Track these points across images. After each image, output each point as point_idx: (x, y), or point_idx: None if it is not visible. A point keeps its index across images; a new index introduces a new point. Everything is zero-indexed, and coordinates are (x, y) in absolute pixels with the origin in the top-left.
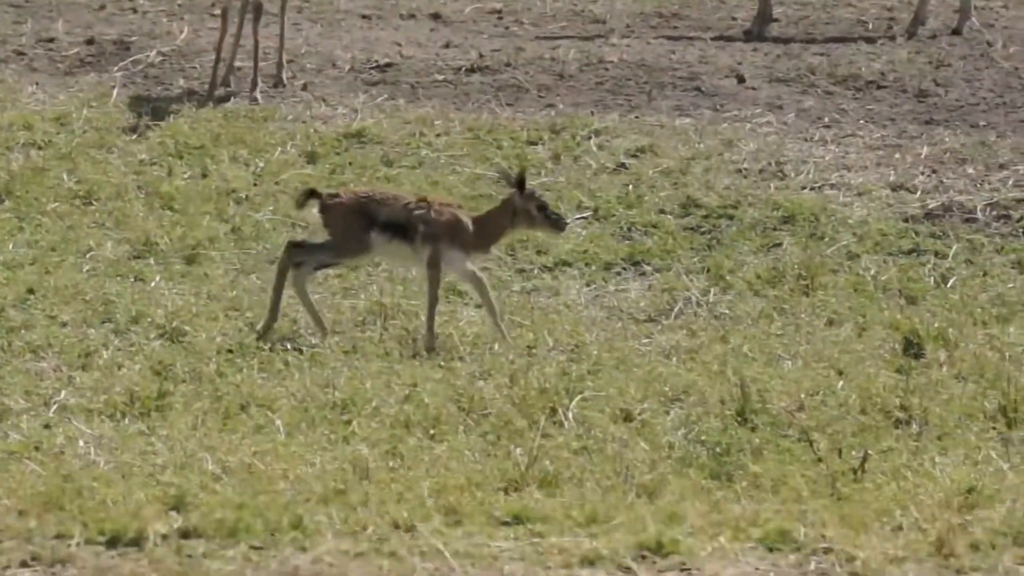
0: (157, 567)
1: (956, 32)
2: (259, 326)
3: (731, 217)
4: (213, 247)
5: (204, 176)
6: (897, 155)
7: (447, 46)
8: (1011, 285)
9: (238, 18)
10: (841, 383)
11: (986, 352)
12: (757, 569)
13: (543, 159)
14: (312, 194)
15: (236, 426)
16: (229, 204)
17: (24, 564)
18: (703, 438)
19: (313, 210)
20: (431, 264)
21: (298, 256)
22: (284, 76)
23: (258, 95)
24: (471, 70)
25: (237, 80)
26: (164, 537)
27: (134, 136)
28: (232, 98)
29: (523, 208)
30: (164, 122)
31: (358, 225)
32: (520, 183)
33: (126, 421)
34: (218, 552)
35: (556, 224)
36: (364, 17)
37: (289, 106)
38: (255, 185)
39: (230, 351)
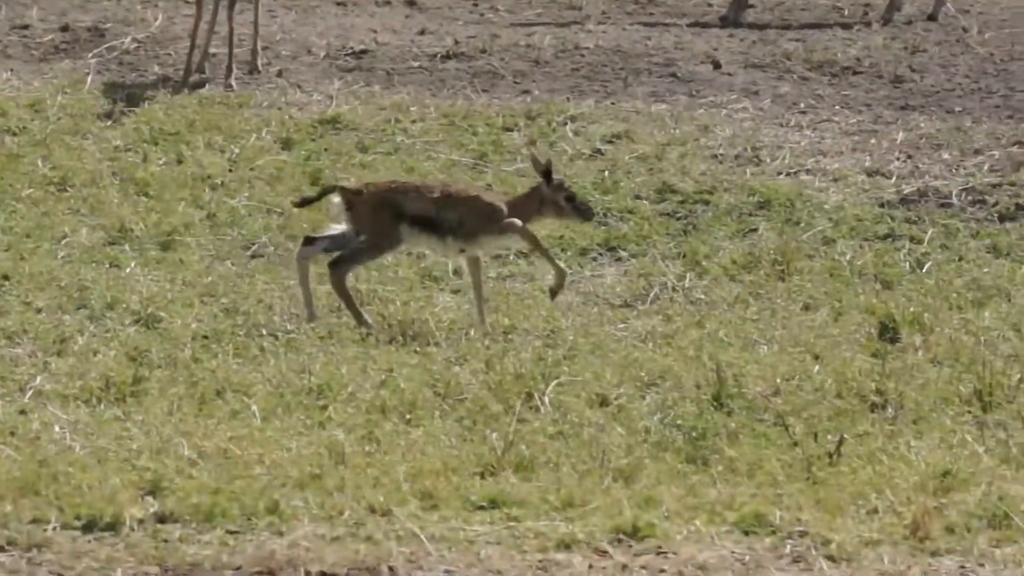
0: (133, 552)
1: (931, 18)
2: (305, 322)
3: (707, 203)
4: (188, 233)
5: (179, 162)
6: (873, 140)
7: (422, 32)
8: (986, 270)
9: (213, 4)
10: (817, 367)
11: (961, 336)
12: (733, 552)
13: (519, 145)
14: (332, 188)
15: (212, 411)
16: (204, 190)
17: (0, 549)
18: (679, 422)
19: (335, 199)
20: (508, 230)
21: (316, 252)
22: (259, 62)
23: (233, 81)
24: (446, 56)
25: (212, 66)
26: (140, 522)
27: (109, 122)
28: (207, 84)
29: (550, 198)
30: (139, 108)
31: (387, 218)
32: (547, 173)
33: (102, 407)
34: (194, 537)
35: (584, 214)
36: (339, 4)
37: (264, 92)
38: (230, 171)
39: (205, 337)
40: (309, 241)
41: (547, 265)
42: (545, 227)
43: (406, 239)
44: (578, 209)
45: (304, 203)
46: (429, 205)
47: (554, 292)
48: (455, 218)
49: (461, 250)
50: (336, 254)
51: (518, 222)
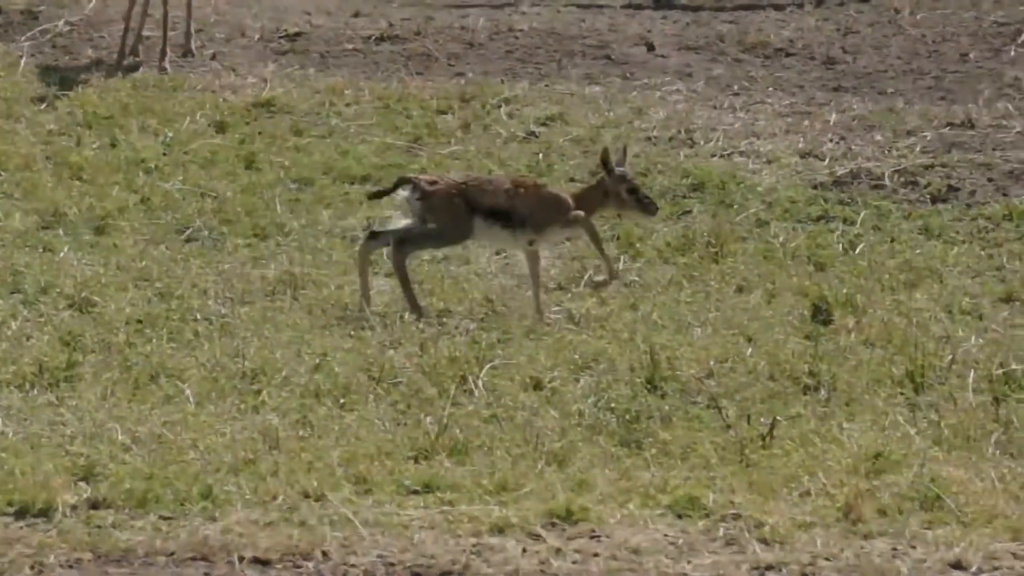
0: (66, 538)
1: None
2: (359, 311)
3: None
4: (122, 217)
5: (113, 146)
6: (806, 122)
7: (357, 15)
8: (918, 251)
9: None
10: (750, 350)
11: (893, 318)
12: (666, 536)
13: (453, 128)
14: (405, 180)
15: (145, 396)
16: (138, 174)
17: None
18: (613, 406)
19: (404, 194)
20: (576, 224)
21: (380, 247)
22: (193, 45)
23: (167, 65)
24: (381, 39)
25: (146, 50)
26: (73, 508)
27: (42, 106)
28: (141, 68)
29: (613, 190)
30: (72, 92)
31: (461, 211)
32: (606, 165)
33: (35, 392)
34: (127, 522)
35: (646, 207)
36: None
37: (198, 76)
38: (164, 155)
39: (139, 321)
40: (374, 235)
41: (602, 262)
42: (607, 220)
43: (477, 232)
44: (640, 202)
45: (378, 196)
46: (502, 198)
47: (598, 286)
48: (526, 211)
49: (530, 242)
50: (402, 235)
51: (582, 214)
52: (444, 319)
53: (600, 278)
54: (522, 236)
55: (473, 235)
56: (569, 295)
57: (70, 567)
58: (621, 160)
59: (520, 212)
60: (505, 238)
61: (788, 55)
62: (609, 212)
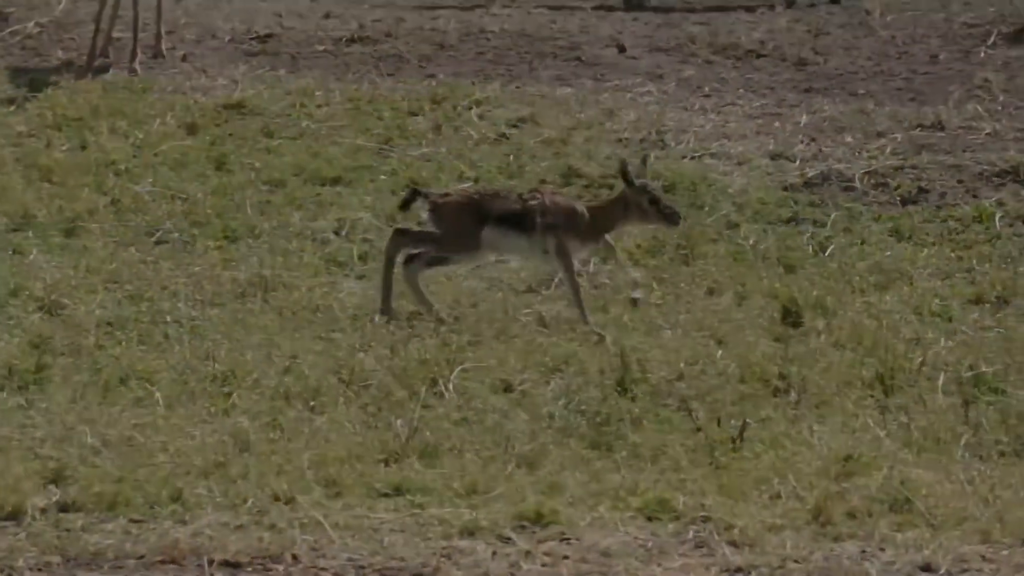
0: (36, 541)
1: (834, 1)
2: (379, 316)
3: (612, 187)
4: (92, 219)
5: (83, 148)
6: (776, 124)
7: (327, 16)
8: (888, 253)
9: None
10: (720, 352)
11: (864, 320)
12: (636, 538)
13: (424, 130)
14: (417, 194)
15: (115, 399)
16: (108, 176)
17: None
18: (583, 408)
19: (422, 213)
20: (560, 253)
21: (405, 245)
22: (163, 47)
23: (137, 66)
24: (352, 40)
25: (116, 51)
26: (43, 511)
27: (12, 108)
28: (111, 69)
29: (635, 201)
30: (42, 94)
31: (471, 222)
32: (625, 177)
33: (4, 395)
34: (97, 526)
35: (669, 218)
36: None
37: (168, 77)
38: (134, 157)
39: (109, 324)
40: (411, 259)
41: (577, 309)
42: (630, 233)
43: (492, 241)
44: (663, 213)
45: (403, 208)
46: (516, 204)
47: (635, 302)
48: (541, 218)
49: (545, 251)
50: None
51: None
52: (414, 322)
53: (637, 293)
54: (538, 244)
55: (487, 245)
56: (539, 298)
57: (39, 570)
58: (641, 171)
59: (535, 218)
60: (521, 246)
61: (759, 57)
62: (634, 224)
